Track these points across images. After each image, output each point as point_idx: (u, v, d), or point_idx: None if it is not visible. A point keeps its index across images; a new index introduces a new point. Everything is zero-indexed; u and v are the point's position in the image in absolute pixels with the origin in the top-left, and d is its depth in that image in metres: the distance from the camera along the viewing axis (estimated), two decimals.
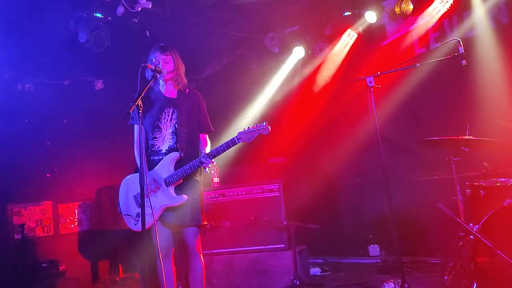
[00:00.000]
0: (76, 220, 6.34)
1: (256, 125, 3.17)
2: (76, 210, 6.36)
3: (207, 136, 3.57)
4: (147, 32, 4.94)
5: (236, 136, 3.20)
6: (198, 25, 5.53)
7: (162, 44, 3.47)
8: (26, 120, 5.97)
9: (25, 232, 5.56)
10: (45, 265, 5.46)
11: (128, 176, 3.51)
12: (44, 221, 6.04)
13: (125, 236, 5.81)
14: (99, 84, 6.52)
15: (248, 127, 3.19)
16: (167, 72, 3.38)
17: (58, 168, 6.20)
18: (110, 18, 4.67)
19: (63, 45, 5.23)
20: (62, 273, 5.53)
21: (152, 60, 3.38)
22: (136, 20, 4.83)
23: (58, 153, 6.16)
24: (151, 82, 3.23)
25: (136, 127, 3.47)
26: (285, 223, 4.66)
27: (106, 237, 5.81)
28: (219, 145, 3.25)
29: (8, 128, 5.49)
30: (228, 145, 3.20)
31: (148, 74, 3.38)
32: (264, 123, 3.17)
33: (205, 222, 3.44)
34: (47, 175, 6.14)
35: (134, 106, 2.89)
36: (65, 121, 6.40)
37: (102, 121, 6.61)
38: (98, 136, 6.57)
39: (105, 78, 6.55)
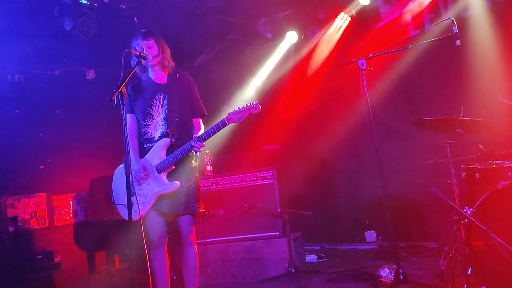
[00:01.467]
0: (71, 211, 6.31)
1: (246, 105, 3.10)
2: (70, 202, 6.33)
3: (200, 120, 3.49)
4: (136, 18, 4.83)
5: (226, 117, 3.13)
6: (190, 11, 5.42)
7: (143, 30, 3.39)
8: (17, 111, 5.90)
9: (19, 224, 5.53)
10: (40, 257, 5.44)
11: (120, 165, 3.45)
12: (39, 213, 6.01)
13: (120, 226, 5.79)
14: (90, 74, 6.44)
15: (238, 107, 3.12)
16: (152, 57, 3.30)
17: (51, 159, 6.15)
18: (96, 5, 4.56)
19: (52, 34, 5.14)
20: (57, 264, 5.52)
21: (135, 47, 3.30)
22: (124, 7, 4.72)
23: (51, 144, 6.11)
24: (135, 68, 3.16)
25: (128, 116, 3.42)
26: (279, 210, 4.62)
27: (101, 228, 5.78)
28: (209, 127, 3.18)
29: None
30: (218, 126, 3.13)
31: (133, 60, 3.30)
32: (254, 101, 3.10)
33: (202, 210, 3.38)
34: (41, 166, 6.09)
35: (117, 93, 2.81)
36: (57, 111, 6.34)
37: (95, 111, 6.54)
38: (91, 127, 6.51)
39: (96, 67, 6.47)
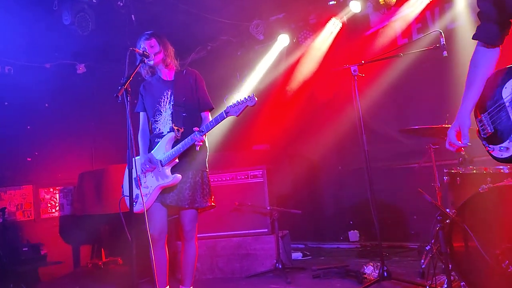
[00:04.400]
0: (57, 204, 6.31)
1: (244, 98, 3.20)
2: (57, 195, 6.33)
3: (209, 114, 3.57)
4: (133, 16, 4.89)
5: (224, 110, 3.22)
6: (184, 10, 5.50)
7: (147, 32, 3.50)
8: (6, 103, 5.88)
9: (5, 216, 5.50)
10: (26, 249, 5.43)
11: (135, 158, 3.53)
12: (25, 205, 5.99)
13: (107, 221, 5.82)
14: (81, 68, 6.45)
15: (237, 101, 3.21)
16: (154, 55, 3.40)
17: (39, 152, 6.14)
18: (95, 1, 4.61)
19: (45, 27, 5.15)
20: (43, 257, 5.52)
21: (140, 47, 3.41)
22: (121, 4, 4.78)
23: (39, 137, 6.10)
24: (138, 66, 3.23)
25: (141, 114, 3.55)
26: (268, 208, 4.75)
27: (88, 222, 5.80)
28: (209, 121, 3.30)
29: None
30: (217, 120, 3.23)
31: (137, 59, 3.38)
32: (252, 94, 3.19)
33: (212, 204, 3.45)
34: (28, 159, 6.08)
35: (123, 90, 2.89)
36: (47, 104, 6.33)
37: (84, 105, 6.55)
38: (80, 121, 6.53)
39: (88, 62, 6.48)
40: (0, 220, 5.33)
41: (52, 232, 6.14)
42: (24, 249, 5.45)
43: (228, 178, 4.99)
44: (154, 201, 3.35)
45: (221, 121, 3.24)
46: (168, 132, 3.40)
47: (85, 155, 6.63)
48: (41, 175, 6.16)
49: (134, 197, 3.23)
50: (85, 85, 6.56)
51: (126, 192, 3.37)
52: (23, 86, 5.84)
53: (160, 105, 3.46)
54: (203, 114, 3.55)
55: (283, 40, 6.31)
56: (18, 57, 5.85)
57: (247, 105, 3.18)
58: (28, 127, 6.10)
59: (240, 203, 4.79)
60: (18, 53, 5.76)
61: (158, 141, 3.43)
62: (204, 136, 3.26)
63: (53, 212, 6.28)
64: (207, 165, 3.53)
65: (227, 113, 3.21)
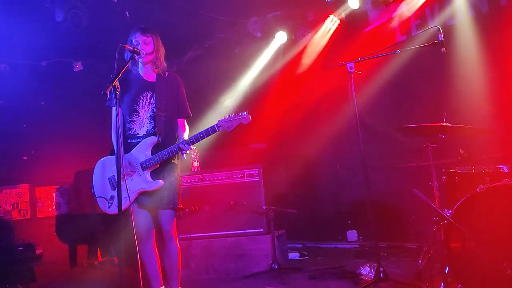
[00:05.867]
0: (54, 203, 6.27)
1: (237, 114, 3.14)
2: (54, 194, 6.29)
3: (185, 121, 3.53)
4: (127, 13, 4.83)
5: (216, 124, 3.17)
6: (180, 7, 5.44)
7: (143, 26, 3.40)
8: (1, 101, 5.84)
9: (0, 215, 5.47)
10: (21, 248, 5.38)
11: (103, 158, 3.45)
12: (21, 204, 5.96)
13: (103, 220, 5.78)
14: (78, 66, 6.41)
15: (229, 116, 3.15)
16: (146, 54, 3.31)
17: (35, 150, 6.11)
18: None
19: (40, 24, 5.10)
20: (39, 256, 5.46)
21: (131, 41, 3.31)
22: (116, 0, 4.72)
23: (35, 135, 6.07)
24: (128, 63, 3.17)
25: (113, 109, 3.40)
26: (264, 207, 4.68)
27: (84, 221, 5.75)
28: (199, 131, 3.20)
29: None
30: (207, 132, 3.17)
31: (126, 55, 3.31)
32: (245, 112, 3.14)
33: (181, 206, 3.41)
34: (24, 157, 6.04)
35: (111, 87, 2.83)
36: (42, 103, 6.29)
37: (80, 103, 6.50)
38: (76, 119, 6.48)
39: (83, 59, 6.43)
40: None
41: (48, 231, 6.10)
42: (19, 248, 5.40)
43: (223, 177, 4.93)
44: (131, 203, 3.27)
45: (212, 134, 3.18)
46: (144, 134, 3.32)
47: (81, 154, 6.57)
48: (37, 174, 6.12)
49: (109, 198, 3.20)
50: (82, 83, 6.50)
51: (98, 193, 3.33)
52: (18, 84, 5.80)
53: (138, 106, 3.36)
54: (180, 120, 3.49)
55: (280, 37, 6.25)
56: (13, 55, 5.80)
57: (241, 122, 3.13)
58: (24, 125, 6.07)
59: (236, 203, 4.72)
60: (14, 51, 5.71)
61: (133, 141, 3.34)
62: (191, 146, 3.21)
63: (50, 211, 6.24)
64: (179, 167, 3.47)
65: (219, 127, 3.17)
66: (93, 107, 6.57)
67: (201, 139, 3.19)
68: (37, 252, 5.46)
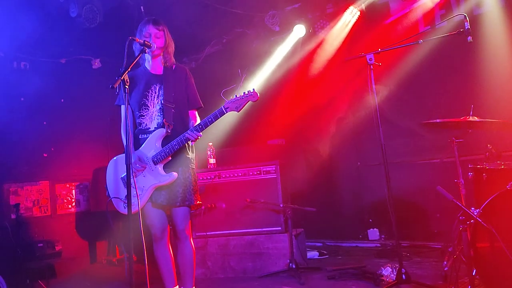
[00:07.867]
0: (73, 200, 6.30)
1: (244, 93, 3.01)
2: (73, 191, 6.32)
3: (196, 112, 3.42)
4: (142, 7, 4.77)
5: (223, 106, 3.05)
6: (197, 2, 5.36)
7: (154, 17, 3.29)
8: (22, 98, 5.88)
9: (21, 212, 5.53)
10: (41, 245, 5.44)
11: (115, 158, 3.37)
12: (41, 201, 6.00)
13: (123, 217, 5.77)
14: (96, 63, 6.42)
15: (236, 95, 3.03)
16: (157, 48, 3.21)
17: (55, 148, 6.14)
18: None
19: (59, 22, 5.10)
20: (58, 253, 5.52)
21: (142, 32, 3.21)
22: None
23: (55, 132, 6.10)
24: (138, 56, 3.07)
25: (122, 107, 3.32)
26: (281, 205, 4.56)
27: (103, 218, 5.75)
28: (206, 116, 3.09)
29: (4, 106, 5.41)
30: (215, 115, 3.05)
31: (136, 48, 3.24)
32: (252, 89, 3.01)
33: (198, 202, 3.29)
34: (44, 154, 6.09)
35: (120, 80, 2.75)
36: (62, 100, 6.32)
37: (99, 100, 6.49)
38: (95, 116, 6.48)
39: (102, 56, 6.43)
40: (13, 216, 5.34)
41: (68, 228, 6.14)
42: (39, 245, 5.45)
43: (239, 174, 4.83)
44: (147, 202, 3.20)
45: (220, 117, 3.06)
46: (155, 127, 3.23)
47: (101, 151, 6.57)
48: (57, 171, 6.15)
49: (124, 198, 3.10)
50: (101, 80, 6.50)
51: (112, 194, 3.26)
52: (38, 82, 5.83)
53: (147, 100, 3.27)
54: (191, 112, 3.38)
55: (299, 30, 6.10)
56: (34, 52, 5.84)
57: (249, 100, 3.00)
58: (44, 122, 6.10)
59: (252, 200, 4.61)
60: (34, 48, 5.74)
61: (143, 137, 3.26)
62: (200, 132, 3.09)
63: (70, 208, 6.27)
64: (195, 162, 3.37)
65: (226, 108, 3.05)
66: (112, 104, 6.58)
67: (210, 124, 3.06)
68: (57, 248, 5.52)
